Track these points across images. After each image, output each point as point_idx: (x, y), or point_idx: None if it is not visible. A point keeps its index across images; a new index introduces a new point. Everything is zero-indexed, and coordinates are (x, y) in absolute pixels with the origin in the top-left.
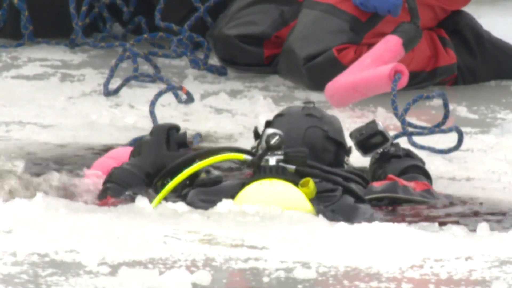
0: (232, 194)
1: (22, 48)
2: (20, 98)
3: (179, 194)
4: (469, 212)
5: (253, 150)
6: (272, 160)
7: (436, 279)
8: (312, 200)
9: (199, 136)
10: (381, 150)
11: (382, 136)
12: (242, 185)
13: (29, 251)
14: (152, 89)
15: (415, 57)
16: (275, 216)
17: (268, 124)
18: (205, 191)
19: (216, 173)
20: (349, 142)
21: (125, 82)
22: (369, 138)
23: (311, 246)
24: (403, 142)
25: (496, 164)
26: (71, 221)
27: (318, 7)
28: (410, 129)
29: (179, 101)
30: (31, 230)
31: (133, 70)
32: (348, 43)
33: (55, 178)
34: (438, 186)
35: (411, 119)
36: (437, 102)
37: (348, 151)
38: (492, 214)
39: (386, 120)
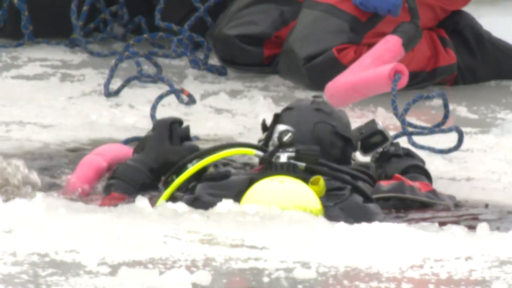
0: (240, 189)
1: (22, 48)
2: (20, 98)
3: (186, 188)
4: (475, 215)
5: (261, 143)
6: (283, 157)
7: (436, 279)
8: (321, 198)
9: (195, 139)
10: (381, 149)
11: (381, 136)
12: (250, 180)
13: (29, 251)
14: (152, 89)
15: (415, 57)
16: (275, 216)
17: (277, 117)
18: (213, 185)
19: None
20: None
21: (126, 83)
22: (369, 138)
23: (311, 246)
24: (403, 142)
25: (496, 164)
26: (71, 221)
27: (318, 7)
28: (410, 129)
29: (181, 101)
30: (31, 230)
31: (137, 72)
32: (348, 43)
33: (52, 178)
34: (438, 186)
35: (411, 119)
36: (437, 102)
37: (355, 147)
38: (492, 214)
39: (386, 120)
